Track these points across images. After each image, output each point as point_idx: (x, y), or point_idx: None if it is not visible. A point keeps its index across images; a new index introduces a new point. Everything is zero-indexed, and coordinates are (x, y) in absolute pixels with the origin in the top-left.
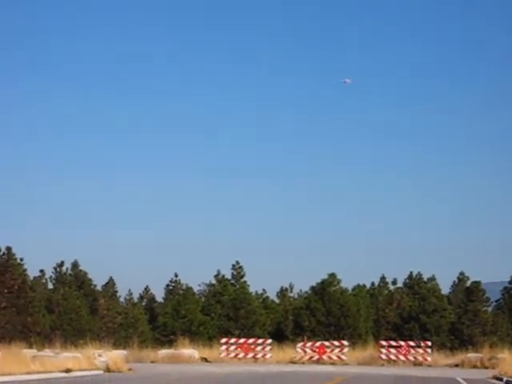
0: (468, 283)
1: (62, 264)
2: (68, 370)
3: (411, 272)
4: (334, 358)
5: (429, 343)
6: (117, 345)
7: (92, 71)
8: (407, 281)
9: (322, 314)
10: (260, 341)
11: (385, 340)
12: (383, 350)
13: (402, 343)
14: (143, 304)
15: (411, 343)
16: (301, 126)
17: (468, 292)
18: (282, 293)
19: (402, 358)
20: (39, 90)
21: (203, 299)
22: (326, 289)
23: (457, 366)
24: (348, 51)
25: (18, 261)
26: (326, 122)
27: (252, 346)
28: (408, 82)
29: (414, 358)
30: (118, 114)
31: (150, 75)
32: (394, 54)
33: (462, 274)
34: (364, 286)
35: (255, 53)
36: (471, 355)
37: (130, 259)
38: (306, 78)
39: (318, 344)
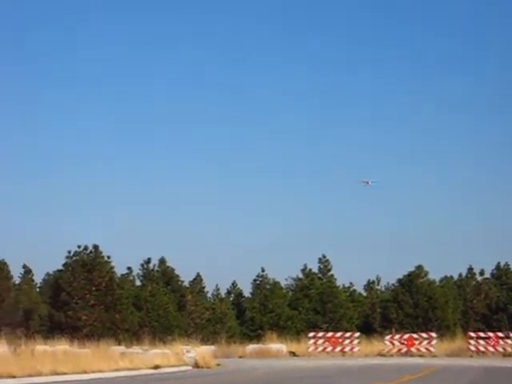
0: None
1: (149, 261)
2: (157, 367)
3: (499, 262)
4: (423, 350)
5: None
6: (205, 340)
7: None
8: (495, 271)
9: (410, 306)
10: (348, 334)
11: (473, 331)
12: (472, 342)
13: (491, 334)
14: (231, 299)
15: (500, 334)
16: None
17: None
18: (369, 286)
19: (490, 349)
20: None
21: (290, 293)
22: (413, 281)
23: None
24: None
25: (106, 258)
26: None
27: (340, 340)
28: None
29: (503, 349)
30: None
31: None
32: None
33: None
34: (451, 277)
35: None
36: None
37: (217, 255)
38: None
39: (406, 336)
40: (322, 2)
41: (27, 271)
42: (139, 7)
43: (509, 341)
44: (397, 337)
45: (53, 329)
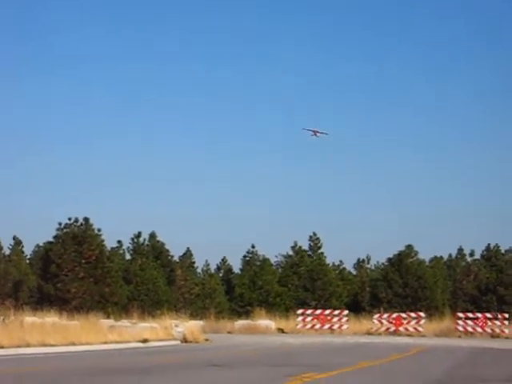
0: None
1: (139, 235)
2: (145, 340)
3: (489, 244)
4: (411, 329)
5: (506, 315)
6: (194, 315)
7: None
8: (485, 252)
9: (399, 285)
10: (336, 312)
11: (462, 312)
12: (460, 322)
13: (479, 315)
14: (220, 275)
15: (488, 315)
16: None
17: None
18: (359, 264)
19: (479, 329)
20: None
21: (280, 270)
22: (403, 260)
23: None
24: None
25: (96, 231)
26: None
27: (328, 317)
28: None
29: (492, 329)
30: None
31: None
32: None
33: None
34: (441, 257)
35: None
36: None
37: (208, 230)
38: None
39: (394, 315)
40: None
41: (17, 242)
42: None
43: (497, 322)
44: (385, 316)
45: (42, 300)
